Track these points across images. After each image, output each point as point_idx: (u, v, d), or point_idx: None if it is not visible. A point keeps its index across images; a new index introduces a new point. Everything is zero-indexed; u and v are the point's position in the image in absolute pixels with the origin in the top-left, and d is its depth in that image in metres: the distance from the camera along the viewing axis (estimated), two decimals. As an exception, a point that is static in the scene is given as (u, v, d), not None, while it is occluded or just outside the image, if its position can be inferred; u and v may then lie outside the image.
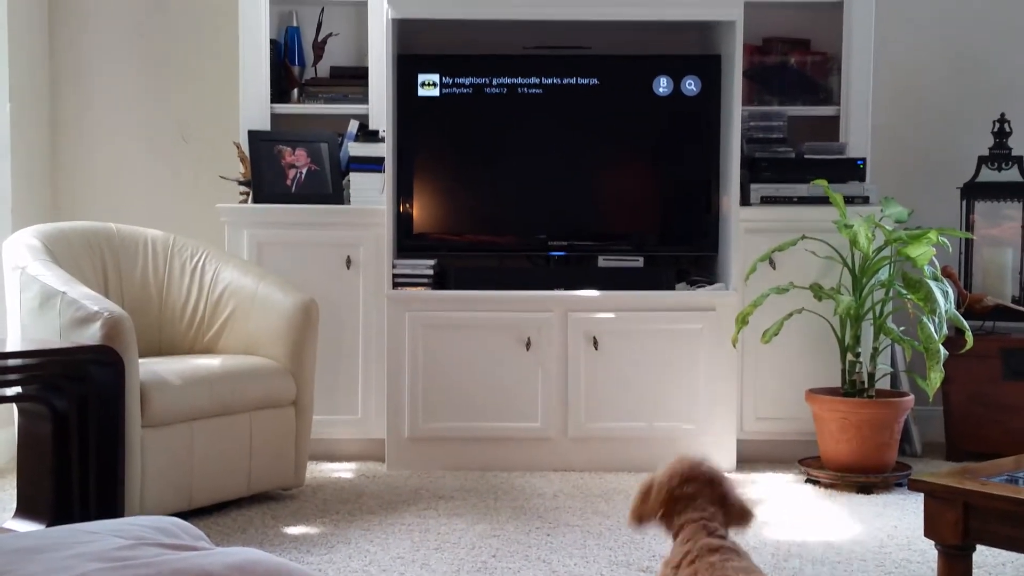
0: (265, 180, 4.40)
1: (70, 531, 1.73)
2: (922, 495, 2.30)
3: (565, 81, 4.43)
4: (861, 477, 3.96)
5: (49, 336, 3.36)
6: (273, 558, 1.66)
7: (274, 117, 4.54)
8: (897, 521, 3.58)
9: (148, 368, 3.46)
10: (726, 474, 1.99)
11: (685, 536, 1.90)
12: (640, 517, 1.98)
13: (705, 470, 1.96)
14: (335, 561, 3.11)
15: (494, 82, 4.42)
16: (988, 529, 2.21)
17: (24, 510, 3.29)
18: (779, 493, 3.96)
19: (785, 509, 3.74)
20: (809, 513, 3.71)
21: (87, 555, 1.59)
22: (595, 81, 4.42)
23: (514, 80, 4.42)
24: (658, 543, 3.20)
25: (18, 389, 3.18)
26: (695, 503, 1.93)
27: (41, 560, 1.58)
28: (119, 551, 1.62)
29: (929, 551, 2.64)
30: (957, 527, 2.22)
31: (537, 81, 4.42)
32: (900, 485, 3.98)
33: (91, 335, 3.25)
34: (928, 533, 2.27)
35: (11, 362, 3.04)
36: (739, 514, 1.95)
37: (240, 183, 4.47)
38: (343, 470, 4.24)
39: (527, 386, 4.24)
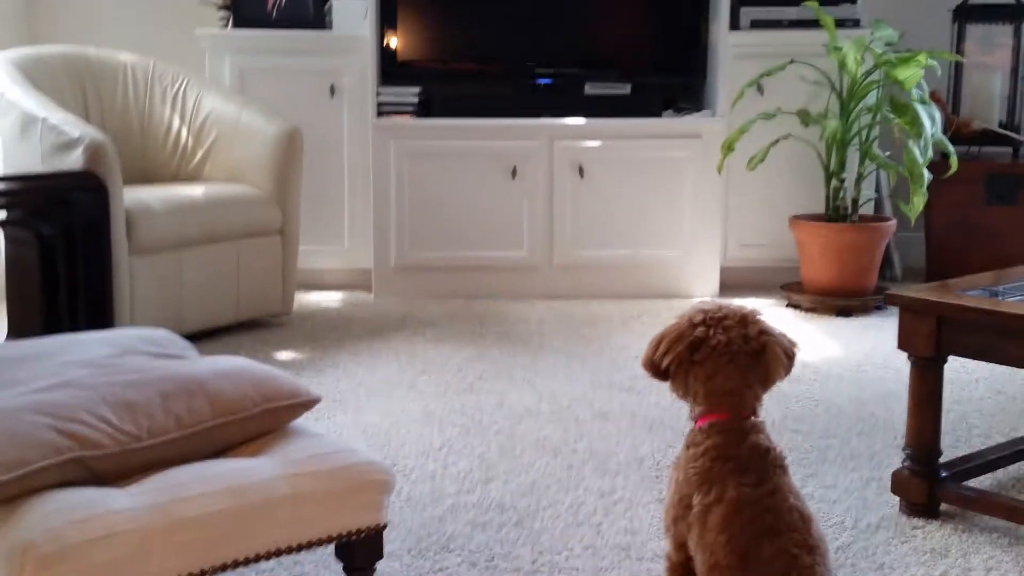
0: (245, 5, 4.31)
1: (60, 341, 1.77)
2: (899, 312, 2.34)
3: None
4: (841, 301, 4.03)
5: (31, 162, 3.35)
6: (259, 365, 1.71)
7: (252, -61, 4.40)
8: (875, 341, 3.67)
9: (132, 195, 3.46)
10: (757, 313, 1.70)
11: (706, 436, 1.64)
12: (652, 364, 1.71)
13: (734, 310, 1.68)
14: (324, 383, 3.18)
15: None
16: (960, 340, 2.25)
17: (14, 335, 3.33)
18: (761, 318, 4.03)
19: (766, 332, 3.81)
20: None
21: (76, 362, 1.63)
22: None
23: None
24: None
25: (2, 215, 3.18)
26: (719, 360, 1.65)
27: (30, 367, 1.62)
28: (108, 358, 1.66)
29: (904, 368, 2.71)
30: (930, 339, 2.26)
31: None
32: (879, 308, 4.05)
33: (73, 161, 3.24)
34: (902, 345, 2.31)
35: (-5, 188, 3.04)
36: (780, 362, 1.67)
37: (219, 7, 4.37)
38: (330, 299, 4.29)
39: (513, 214, 4.26)
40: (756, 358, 1.67)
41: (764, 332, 1.68)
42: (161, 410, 1.55)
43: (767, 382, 1.69)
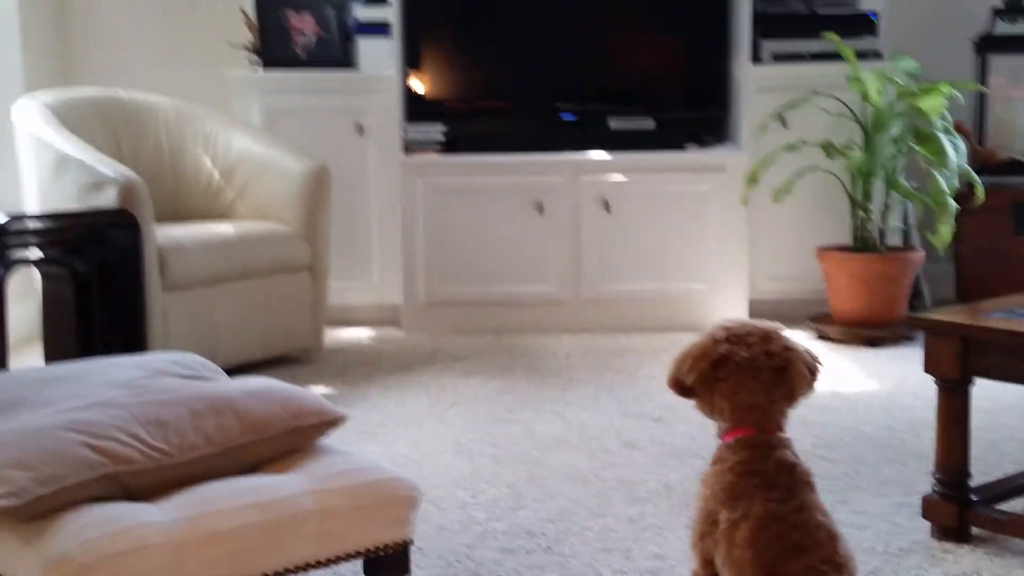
0: (273, 47, 4.38)
1: (93, 364, 1.80)
2: (924, 336, 2.34)
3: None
4: (870, 332, 4.02)
5: (65, 202, 3.41)
6: (287, 385, 1.73)
7: (281, -18, 4.49)
8: (904, 371, 3.65)
9: (165, 233, 3.51)
10: (780, 330, 1.70)
11: (733, 452, 1.64)
12: (678, 382, 1.71)
13: (757, 327, 1.68)
14: (355, 416, 3.18)
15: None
16: (986, 362, 2.25)
17: (50, 372, 3.38)
18: (789, 349, 4.02)
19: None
20: (818, 367, 3.77)
21: (108, 383, 1.66)
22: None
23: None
24: (670, 395, 3.28)
25: (38, 253, 3.23)
26: (744, 377, 1.65)
27: (64, 388, 1.66)
28: (140, 379, 1.69)
29: (934, 397, 2.69)
30: (956, 361, 2.26)
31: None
32: (909, 339, 4.03)
33: (107, 199, 3.30)
34: (928, 368, 2.31)
35: (31, 225, 3.09)
36: (804, 378, 1.67)
37: (247, 50, 4.45)
38: (360, 335, 4.32)
39: (539, 249, 4.29)
40: (779, 374, 1.67)
41: (787, 348, 1.69)
42: (191, 428, 1.58)
43: (791, 398, 1.70)
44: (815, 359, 1.73)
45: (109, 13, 4.74)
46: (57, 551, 1.36)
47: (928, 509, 2.34)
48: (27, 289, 3.85)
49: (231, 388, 1.68)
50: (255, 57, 4.43)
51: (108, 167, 3.38)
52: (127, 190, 3.31)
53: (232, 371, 3.56)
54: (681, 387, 1.71)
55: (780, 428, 1.69)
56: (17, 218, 3.11)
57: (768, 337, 1.68)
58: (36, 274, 3.41)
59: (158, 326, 3.39)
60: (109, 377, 1.69)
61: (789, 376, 1.67)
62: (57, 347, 3.39)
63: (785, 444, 1.67)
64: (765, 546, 1.58)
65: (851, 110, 4.13)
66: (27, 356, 3.74)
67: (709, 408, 1.71)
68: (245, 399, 1.64)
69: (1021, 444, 2.93)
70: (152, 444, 1.54)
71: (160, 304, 3.40)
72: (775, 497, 1.60)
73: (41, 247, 3.23)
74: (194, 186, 4.07)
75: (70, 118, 3.74)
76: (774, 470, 1.63)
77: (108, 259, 3.22)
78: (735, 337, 1.67)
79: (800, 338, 4.05)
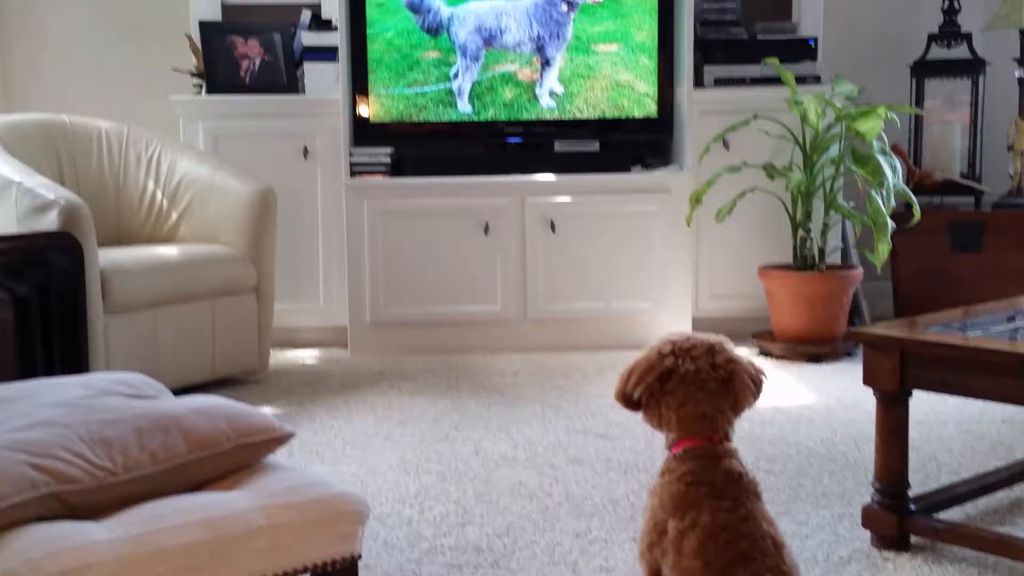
0: (218, 71, 4.38)
1: (35, 384, 1.78)
2: (862, 350, 2.38)
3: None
4: (811, 348, 4.08)
5: (7, 226, 3.37)
6: (233, 402, 1.73)
7: (225, 8, 4.50)
8: (844, 386, 3.71)
9: (107, 256, 3.48)
10: (724, 343, 1.72)
11: (681, 463, 1.65)
12: (625, 395, 1.72)
13: (702, 340, 1.70)
14: (301, 436, 3.18)
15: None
16: (923, 375, 2.28)
17: (-9, 396, 3.33)
18: (733, 366, 4.07)
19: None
20: (761, 383, 3.82)
21: (51, 403, 1.65)
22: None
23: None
24: (616, 411, 3.30)
25: (-23, 276, 3.19)
26: (690, 388, 1.67)
27: (6, 408, 1.64)
28: (83, 399, 1.68)
29: (873, 411, 2.75)
30: (894, 375, 2.29)
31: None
32: (849, 354, 4.10)
33: (49, 222, 3.27)
34: (867, 381, 2.34)
35: (-29, 248, 3.05)
36: (748, 389, 1.70)
37: (193, 75, 4.44)
38: (307, 356, 4.31)
39: (486, 270, 4.31)
40: (725, 385, 1.70)
41: (731, 360, 1.72)
42: (136, 446, 1.57)
43: (737, 408, 1.72)
44: (759, 371, 1.75)
45: (54, 40, 4.73)
46: (2, 569, 1.34)
47: (868, 519, 2.37)
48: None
49: (177, 406, 1.67)
50: (200, 82, 4.42)
51: (50, 190, 3.35)
52: (69, 213, 3.28)
53: (177, 392, 3.53)
54: (628, 400, 1.73)
55: (727, 438, 1.70)
56: (-43, 241, 3.07)
57: (713, 350, 1.70)
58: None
59: (100, 348, 3.35)
60: (52, 397, 1.68)
61: (734, 387, 1.69)
62: (-3, 369, 3.35)
63: (732, 454, 1.69)
64: (714, 555, 1.59)
65: (791, 132, 4.21)
66: (-33, 381, 3.68)
67: (656, 420, 1.72)
68: (191, 416, 1.64)
69: (958, 455, 2.99)
70: (96, 463, 1.53)
71: (102, 326, 3.37)
72: (723, 507, 1.62)
73: (-19, 270, 3.19)
74: (138, 209, 4.04)
75: (12, 142, 3.71)
76: (722, 480, 1.64)
77: (49, 282, 3.18)
78: (680, 350, 1.69)
79: (744, 352, 4.14)
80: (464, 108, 4.40)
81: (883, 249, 3.95)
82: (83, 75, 4.72)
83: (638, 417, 1.77)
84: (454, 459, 2.99)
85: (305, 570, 1.58)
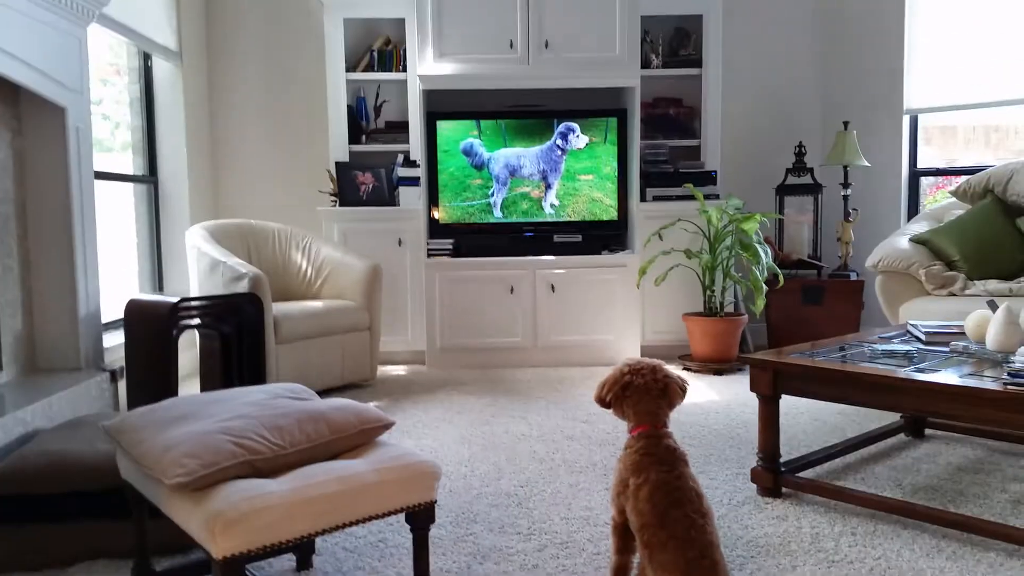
0: (347, 192, 4.43)
1: (234, 391, 1.79)
2: (749, 368, 2.38)
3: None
4: (716, 365, 4.04)
5: (215, 289, 3.41)
6: (355, 402, 1.73)
7: (351, 153, 4.55)
8: (738, 390, 3.67)
9: (278, 308, 3.51)
10: (663, 364, 1.72)
11: (637, 441, 1.62)
12: (600, 399, 1.70)
13: (648, 363, 1.69)
14: (397, 421, 3.16)
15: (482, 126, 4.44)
16: (788, 385, 2.28)
17: (204, 395, 3.32)
18: (667, 376, 4.03)
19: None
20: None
21: (244, 403, 1.65)
22: (554, 121, 4.44)
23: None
24: (595, 407, 3.27)
25: (198, 321, 3.21)
26: (641, 394, 1.64)
27: (215, 406, 1.64)
28: (264, 400, 1.68)
29: (756, 405, 2.73)
30: (770, 384, 2.29)
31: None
32: (740, 370, 4.06)
33: (242, 287, 3.30)
34: (752, 388, 2.33)
35: (194, 304, 3.08)
36: (678, 394, 1.69)
37: (331, 195, 4.49)
38: (399, 370, 4.30)
39: (512, 315, 4.30)
40: (663, 391, 1.69)
41: (667, 376, 1.72)
42: (298, 430, 1.57)
43: (671, 406, 1.72)
44: (684, 381, 1.75)
45: (245, 172, 4.79)
46: (213, 510, 1.35)
47: (754, 476, 2.35)
48: (191, 344, 3.83)
49: (322, 405, 1.68)
50: (335, 198, 4.47)
51: (243, 267, 3.39)
52: (255, 281, 3.31)
53: (321, 394, 3.57)
54: (602, 401, 1.72)
55: (665, 425, 1.69)
56: (185, 299, 3.10)
57: (655, 369, 1.70)
58: (196, 335, 3.38)
59: (273, 367, 3.37)
60: (244, 399, 1.68)
61: (669, 392, 1.69)
62: (209, 381, 3.36)
63: (669, 436, 1.68)
64: (658, 501, 1.58)
65: (701, 230, 4.21)
66: (190, 387, 3.70)
67: (621, 414, 1.71)
68: (331, 411, 1.64)
69: (811, 436, 2.95)
70: (273, 441, 1.53)
71: (274, 352, 3.39)
72: (664, 470, 1.61)
73: (200, 317, 3.21)
74: (296, 278, 4.07)
75: (220, 236, 3.76)
76: (663, 452, 1.63)
77: (242, 324, 3.21)
78: (634, 370, 1.69)
79: (673, 369, 4.10)
80: (498, 214, 4.43)
81: (760, 303, 3.93)
82: (263, 192, 4.78)
83: (609, 412, 1.76)
84: (492, 436, 2.97)
85: (402, 510, 1.57)
